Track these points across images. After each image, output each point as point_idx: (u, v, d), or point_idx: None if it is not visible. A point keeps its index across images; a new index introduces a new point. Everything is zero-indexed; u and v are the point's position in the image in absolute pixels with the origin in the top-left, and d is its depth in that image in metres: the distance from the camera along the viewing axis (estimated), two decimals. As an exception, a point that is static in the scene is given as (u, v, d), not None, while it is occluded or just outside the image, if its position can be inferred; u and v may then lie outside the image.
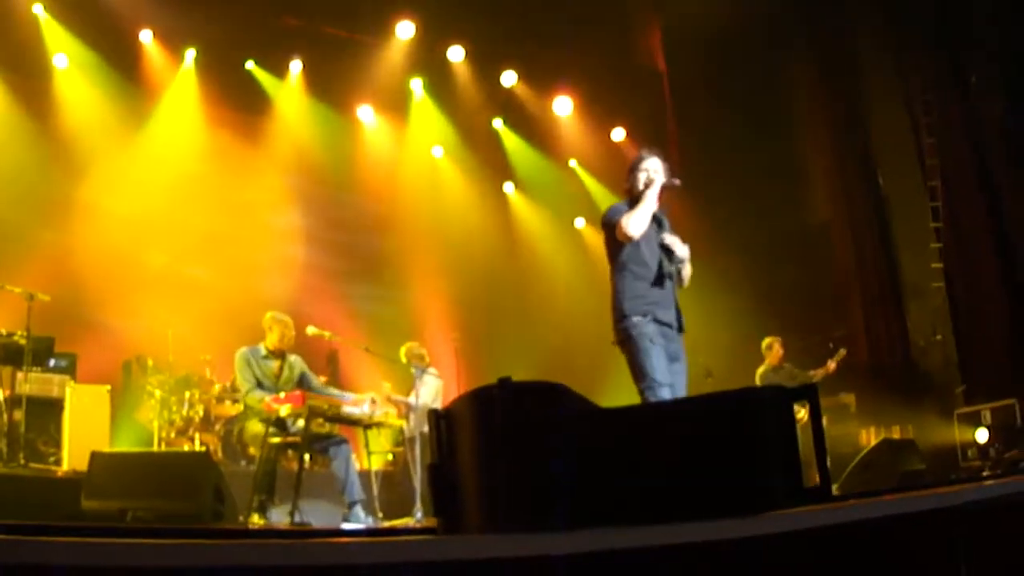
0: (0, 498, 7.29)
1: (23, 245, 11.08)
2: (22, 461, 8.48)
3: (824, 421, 9.98)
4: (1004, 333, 11.73)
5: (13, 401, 9.00)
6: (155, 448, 10.14)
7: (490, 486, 3.13)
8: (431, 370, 10.90)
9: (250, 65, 13.64)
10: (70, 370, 10.09)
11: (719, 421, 3.31)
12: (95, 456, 6.87)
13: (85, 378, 10.14)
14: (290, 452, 8.74)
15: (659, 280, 6.08)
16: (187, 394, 10.72)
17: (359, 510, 8.04)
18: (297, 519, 7.66)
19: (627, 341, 5.96)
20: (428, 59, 14.42)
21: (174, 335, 11.02)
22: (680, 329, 6.12)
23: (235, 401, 10.65)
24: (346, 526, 7.91)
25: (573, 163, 16.13)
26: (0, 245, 10.82)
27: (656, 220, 6.19)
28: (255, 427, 8.20)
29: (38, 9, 11.87)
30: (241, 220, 13.06)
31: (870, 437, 12.09)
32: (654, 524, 2.80)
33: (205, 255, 12.50)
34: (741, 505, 3.04)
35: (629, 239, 6.05)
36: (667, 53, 16.02)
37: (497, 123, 15.70)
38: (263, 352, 8.55)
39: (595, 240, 6.32)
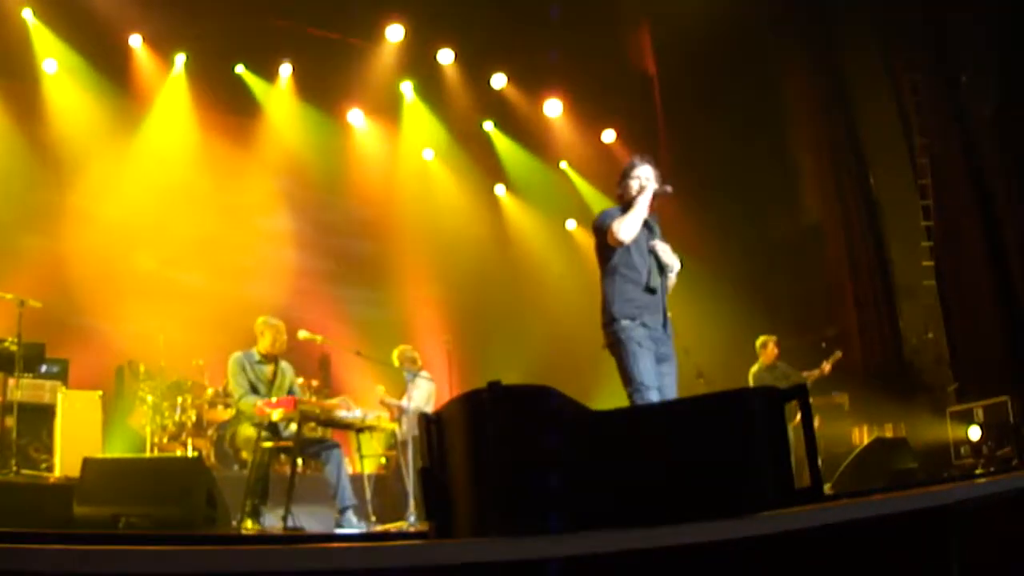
0: (-8, 505, 7.29)
1: (13, 251, 11.07)
2: (14, 468, 8.46)
3: (817, 420, 10.01)
4: (996, 331, 11.73)
5: (4, 408, 8.97)
6: (147, 454, 10.11)
7: (481, 490, 3.13)
8: (423, 373, 10.90)
9: (240, 69, 13.61)
10: (61, 376, 10.06)
11: (710, 422, 3.31)
12: (87, 462, 6.84)
13: (77, 384, 10.12)
14: (283, 457, 8.75)
15: (649, 285, 6.09)
16: (179, 399, 10.70)
17: (351, 515, 8.03)
18: (290, 524, 7.64)
19: (616, 345, 5.98)
20: (418, 62, 14.43)
21: (166, 340, 10.99)
22: (667, 333, 6.13)
23: (227, 406, 10.63)
24: (339, 531, 7.90)
25: (564, 165, 16.14)
26: (-10, 251, 10.84)
27: (647, 226, 6.20)
28: (247, 432, 8.20)
29: (27, 14, 11.84)
30: (232, 224, 13.04)
31: (863, 436, 12.11)
32: (645, 527, 2.80)
33: (196, 260, 12.48)
34: (732, 506, 3.04)
35: (620, 244, 6.07)
36: (657, 55, 16.03)
37: (488, 125, 15.69)
38: (256, 357, 8.55)
39: (586, 242, 6.34)
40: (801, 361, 11.87)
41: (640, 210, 6.08)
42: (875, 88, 13.66)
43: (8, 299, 8.90)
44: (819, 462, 3.49)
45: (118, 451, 10.02)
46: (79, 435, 9.32)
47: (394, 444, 10.69)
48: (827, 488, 8.33)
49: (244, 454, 8.91)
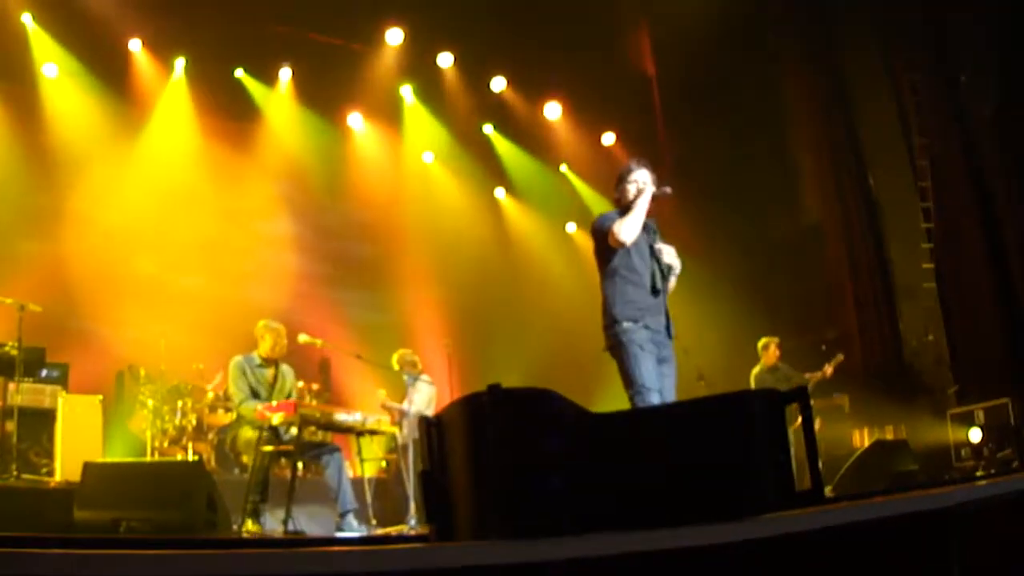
0: (-7, 510, 7.28)
1: (14, 255, 11.07)
2: (14, 472, 8.44)
3: (817, 423, 10.00)
4: (996, 332, 11.73)
5: (5, 412, 8.96)
6: (148, 458, 10.10)
7: (481, 493, 3.13)
8: (424, 377, 10.88)
9: (239, 73, 13.61)
10: (62, 380, 10.06)
11: (711, 425, 3.31)
12: (88, 466, 6.85)
13: (77, 388, 10.11)
14: (283, 460, 8.75)
15: (649, 287, 6.09)
16: (180, 403, 10.69)
17: (352, 518, 8.03)
18: (291, 528, 7.64)
19: (617, 347, 5.98)
20: (417, 65, 14.44)
21: (166, 344, 10.98)
22: (669, 335, 6.13)
23: (228, 410, 10.63)
24: (340, 534, 7.90)
25: (564, 168, 16.13)
26: (-10, 256, 10.84)
27: (645, 228, 6.20)
28: (248, 436, 8.20)
29: (26, 18, 11.84)
30: (232, 228, 13.04)
31: (863, 438, 12.11)
32: (646, 529, 2.80)
33: (197, 264, 12.47)
34: (733, 509, 3.04)
35: (621, 246, 6.07)
36: (656, 56, 16.04)
37: (487, 128, 15.69)
38: (257, 361, 8.55)
39: (586, 245, 6.33)
40: (801, 363, 11.86)
41: (640, 212, 6.08)
42: (875, 88, 13.66)
43: (8, 303, 8.89)
44: (820, 464, 3.49)
45: (118, 455, 10.02)
46: (79, 439, 9.33)
47: (395, 448, 10.68)
48: (828, 490, 8.33)
49: (245, 458, 8.91)
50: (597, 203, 14.55)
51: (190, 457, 10.36)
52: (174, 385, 10.77)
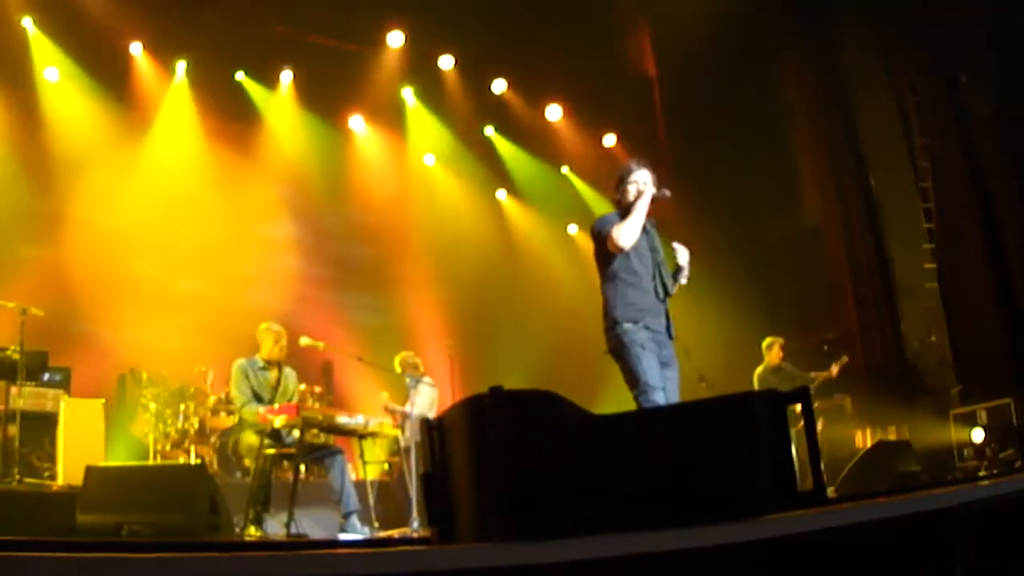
0: (-5, 514, 7.28)
1: (15, 259, 11.07)
2: (17, 476, 8.44)
3: (820, 423, 10.02)
4: (998, 332, 11.72)
5: (7, 416, 8.95)
6: (150, 461, 10.10)
7: (483, 495, 3.13)
8: (426, 379, 10.88)
9: (240, 76, 13.61)
10: (64, 384, 10.05)
11: (713, 426, 3.31)
12: (90, 470, 6.84)
13: (79, 392, 10.10)
14: (285, 463, 8.74)
15: (650, 289, 6.09)
16: (182, 407, 10.69)
17: (355, 521, 8.03)
18: (293, 530, 7.65)
19: (619, 348, 5.98)
20: (418, 68, 14.45)
21: (168, 348, 10.98)
22: (670, 336, 6.13)
23: (230, 413, 10.63)
24: (342, 537, 7.90)
25: (565, 169, 16.13)
26: (-8, 260, 10.84)
27: (644, 229, 6.19)
28: (250, 439, 8.21)
29: (27, 23, 11.85)
30: (234, 231, 13.02)
31: (866, 439, 12.11)
32: (648, 530, 2.80)
33: (198, 267, 12.47)
34: (736, 510, 3.04)
35: (620, 250, 6.06)
36: (657, 58, 16.04)
37: (489, 130, 15.69)
38: (260, 363, 8.56)
39: (588, 246, 6.31)
40: (803, 363, 11.87)
41: (639, 215, 6.08)
42: (875, 89, 13.65)
43: (10, 307, 8.89)
44: (822, 465, 3.49)
45: (121, 459, 10.00)
46: (82, 443, 9.31)
47: (397, 450, 10.67)
48: (830, 491, 8.32)
49: (247, 461, 8.92)
50: (598, 204, 14.55)
51: (192, 460, 10.36)
52: (176, 388, 10.77)
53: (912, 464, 9.06)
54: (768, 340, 11.69)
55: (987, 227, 11.92)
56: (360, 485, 8.92)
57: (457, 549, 3.08)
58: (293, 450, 8.10)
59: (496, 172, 15.77)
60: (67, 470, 8.97)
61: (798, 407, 3.47)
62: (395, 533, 8.68)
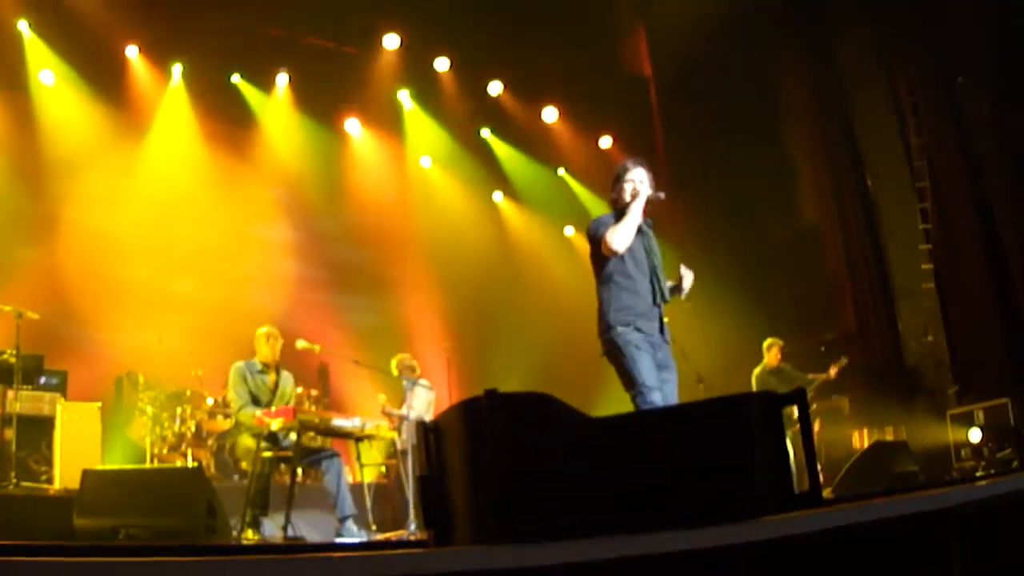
0: (-8, 518, 7.28)
1: (11, 263, 11.05)
2: (13, 480, 8.45)
3: (817, 424, 10.03)
4: (995, 332, 11.73)
5: (4, 420, 8.95)
6: (147, 465, 10.09)
7: (480, 498, 3.12)
8: (422, 382, 10.88)
9: (236, 79, 13.60)
10: (60, 388, 10.03)
11: (708, 427, 3.31)
12: (87, 474, 6.83)
13: (76, 395, 10.08)
14: (282, 466, 8.74)
15: (645, 292, 6.07)
16: (179, 410, 10.68)
17: (351, 524, 8.03)
18: (290, 534, 7.64)
19: (614, 351, 5.96)
20: (414, 70, 14.43)
21: (165, 351, 10.97)
22: (665, 339, 6.11)
23: (227, 416, 10.62)
24: (339, 540, 7.89)
25: (561, 171, 16.14)
26: (-12, 264, 10.83)
27: (639, 230, 6.17)
28: (247, 442, 8.20)
29: (23, 25, 11.84)
30: (230, 234, 13.01)
31: (863, 439, 12.11)
32: (645, 532, 2.80)
33: (195, 270, 12.45)
34: (732, 511, 3.04)
35: (614, 254, 6.05)
36: (653, 60, 16.03)
37: (485, 132, 15.69)
38: (258, 367, 8.56)
39: (585, 248, 6.31)
40: (801, 364, 11.87)
41: (633, 218, 6.06)
42: (872, 89, 13.67)
43: (6, 311, 8.89)
44: (819, 466, 3.50)
45: (118, 462, 9.99)
46: (78, 447, 9.30)
47: (394, 453, 10.67)
48: (828, 492, 8.33)
49: (244, 464, 8.91)
50: (595, 206, 14.56)
51: (189, 464, 10.34)
52: (173, 392, 10.76)
53: (909, 464, 9.05)
54: (768, 341, 11.69)
55: (984, 227, 11.93)
56: (357, 488, 8.93)
57: (453, 552, 3.08)
58: (290, 453, 8.10)
59: (492, 174, 15.76)
60: (64, 473, 8.97)
61: (795, 409, 3.48)
62: (392, 536, 8.67)
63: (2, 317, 8.98)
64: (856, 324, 13.67)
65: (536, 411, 3.19)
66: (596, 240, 6.18)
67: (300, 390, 10.56)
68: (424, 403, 10.78)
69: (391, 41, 13.95)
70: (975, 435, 10.98)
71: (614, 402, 6.35)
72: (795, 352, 12.11)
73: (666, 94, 15.82)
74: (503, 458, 3.04)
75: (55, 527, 6.85)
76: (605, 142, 15.96)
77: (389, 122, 14.89)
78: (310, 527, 8.75)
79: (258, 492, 8.05)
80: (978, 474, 10.04)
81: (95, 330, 11.54)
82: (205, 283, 12.41)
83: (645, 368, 5.82)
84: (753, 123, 14.05)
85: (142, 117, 12.80)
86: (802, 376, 11.52)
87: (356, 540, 7.84)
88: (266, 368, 8.60)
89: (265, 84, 13.81)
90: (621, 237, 6.01)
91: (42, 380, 9.83)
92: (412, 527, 8.90)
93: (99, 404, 9.94)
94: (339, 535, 8.03)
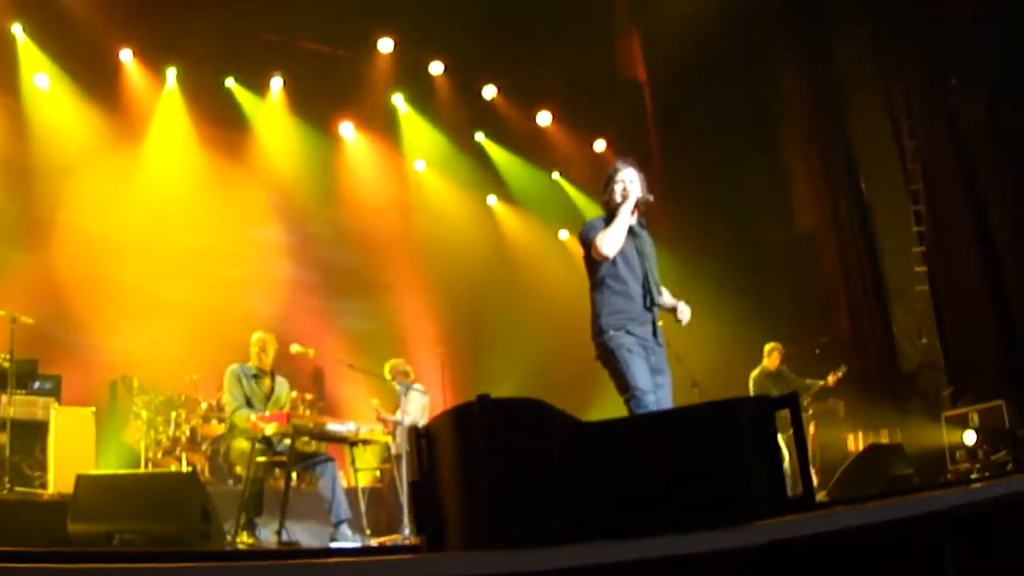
0: (-14, 523, 7.27)
1: (5, 267, 11.03)
2: (7, 485, 8.44)
3: (812, 427, 10.02)
4: (990, 334, 11.74)
5: (-2, 424, 8.96)
6: (141, 469, 10.08)
7: (472, 503, 3.12)
8: (416, 386, 10.88)
9: (230, 83, 13.60)
10: (55, 392, 10.01)
11: (702, 432, 3.31)
12: (81, 479, 6.82)
13: (70, 400, 10.06)
14: (277, 471, 8.72)
15: (637, 296, 6.06)
16: (173, 414, 10.68)
17: (346, 529, 8.02)
18: (285, 538, 7.64)
19: (606, 355, 5.95)
20: (408, 74, 14.45)
21: (159, 355, 10.96)
22: (658, 343, 6.10)
23: (221, 420, 10.62)
24: (333, 545, 7.89)
25: (556, 175, 16.15)
26: (-19, 268, 10.81)
27: (632, 232, 6.17)
28: (242, 446, 8.19)
29: (16, 29, 11.83)
30: (224, 238, 13.00)
31: (858, 442, 12.13)
32: (637, 537, 2.79)
33: (189, 274, 12.43)
34: (725, 516, 3.03)
35: (604, 257, 6.04)
36: (647, 64, 16.03)
37: (479, 136, 15.69)
38: (252, 371, 8.54)
39: (579, 252, 6.30)
40: (797, 368, 11.87)
41: (622, 222, 6.04)
42: (866, 92, 13.69)
43: (0, 315, 8.88)
44: (813, 469, 3.50)
45: (112, 467, 9.98)
46: (73, 451, 9.29)
47: (388, 457, 10.66)
48: (823, 495, 8.34)
49: (238, 469, 8.90)
50: (590, 210, 14.54)
51: (184, 468, 10.34)
52: (167, 396, 10.76)
53: (904, 467, 9.06)
54: (769, 345, 11.69)
55: (978, 229, 11.94)
56: (351, 492, 8.92)
57: (446, 557, 3.08)
58: (284, 458, 8.09)
59: (487, 178, 15.77)
60: (58, 478, 8.95)
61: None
62: (386, 540, 8.67)
63: (-4, 321, 8.98)
64: (850, 327, 13.67)
65: (528, 416, 3.19)
66: (587, 244, 6.18)
67: (294, 394, 10.54)
68: (418, 408, 10.78)
69: (385, 45, 13.96)
70: (970, 437, 10.99)
71: (609, 406, 6.35)
72: (790, 355, 12.10)
73: (661, 98, 15.81)
74: (495, 463, 3.04)
75: (49, 532, 6.84)
76: (599, 146, 15.97)
77: (383, 126, 14.89)
78: (304, 532, 8.74)
79: (252, 496, 8.04)
80: (973, 476, 10.04)
81: (89, 334, 11.53)
82: (199, 287, 12.39)
83: (638, 372, 5.81)
84: (748, 127, 14.05)
85: (136, 121, 12.79)
86: (800, 381, 11.52)
87: (350, 545, 7.84)
88: (260, 373, 8.59)
89: (259, 88, 13.82)
90: (611, 241, 5.99)
91: (36, 384, 9.82)
92: (407, 532, 8.90)
93: (93, 409, 9.92)
94: (333, 539, 8.02)
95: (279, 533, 7.62)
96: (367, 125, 14.83)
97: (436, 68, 14.61)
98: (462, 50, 14.26)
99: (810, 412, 11.67)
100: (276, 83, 13.83)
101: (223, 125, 13.46)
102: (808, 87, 14.45)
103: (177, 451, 10.64)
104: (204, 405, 10.99)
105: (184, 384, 11.08)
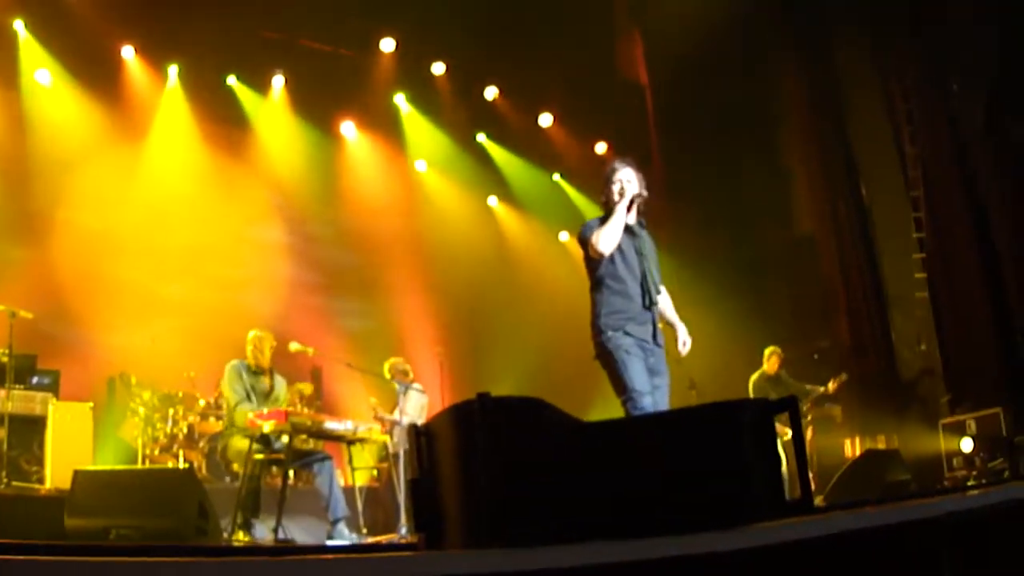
0: (-18, 517, 7.26)
1: (5, 262, 11.03)
2: (4, 479, 8.44)
3: (809, 432, 10.02)
4: (988, 342, 11.74)
5: (-5, 419, 8.96)
6: (139, 465, 10.08)
7: (470, 501, 3.12)
8: (415, 386, 10.87)
9: (232, 81, 13.59)
10: (53, 387, 10.00)
11: (701, 434, 3.31)
12: (78, 474, 6.82)
13: (68, 395, 10.05)
14: (274, 468, 8.73)
15: (635, 295, 6.07)
16: (171, 411, 10.68)
17: (343, 527, 8.02)
18: (281, 536, 7.64)
19: (605, 355, 5.97)
20: (410, 74, 14.46)
21: (158, 352, 10.96)
22: (658, 344, 6.10)
23: (219, 418, 10.62)
24: (330, 543, 7.88)
25: (557, 177, 16.16)
26: (-19, 263, 10.81)
27: (632, 232, 6.18)
28: (239, 444, 8.18)
29: (18, 25, 11.83)
30: (225, 236, 13.00)
31: (855, 447, 12.12)
32: (636, 538, 2.79)
33: (188, 271, 12.44)
34: (723, 518, 3.04)
35: (600, 255, 6.05)
36: (649, 66, 16.04)
37: (480, 137, 15.69)
38: (252, 368, 8.54)
39: (579, 253, 6.32)
40: (795, 373, 11.87)
41: (618, 219, 6.05)
42: (867, 97, 13.69)
43: (0, 310, 8.88)
44: (811, 474, 3.50)
45: (109, 463, 9.99)
46: (70, 447, 9.29)
47: (386, 456, 10.66)
48: (819, 500, 8.33)
49: (235, 466, 8.89)
50: (591, 211, 14.53)
51: (181, 465, 10.34)
52: (165, 393, 10.76)
53: (901, 473, 9.05)
54: (769, 349, 11.70)
55: (978, 236, 11.94)
56: (348, 491, 8.91)
57: (444, 555, 3.08)
58: (282, 455, 8.08)
59: (488, 178, 15.78)
60: (55, 474, 8.95)
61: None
62: (383, 539, 8.66)
63: (-5, 316, 8.98)
64: (849, 333, 13.67)
65: (528, 415, 3.18)
66: (584, 242, 6.20)
67: (301, 385, 10.55)
68: (417, 407, 10.78)
69: (387, 44, 13.97)
70: (967, 445, 10.99)
71: (609, 406, 6.35)
72: (789, 360, 12.10)
73: (662, 100, 15.82)
74: (495, 462, 3.04)
75: (46, 527, 6.83)
76: (600, 147, 15.97)
77: (384, 125, 14.89)
78: (301, 530, 8.75)
79: (249, 494, 8.04)
80: (970, 483, 10.04)
81: (88, 330, 11.53)
82: (199, 285, 12.40)
83: (635, 373, 5.81)
84: (748, 130, 14.06)
85: (137, 118, 12.79)
86: (799, 386, 11.53)
87: (347, 543, 7.83)
88: (260, 370, 8.59)
89: (261, 86, 13.81)
90: (606, 238, 6.01)
91: (34, 380, 9.81)
92: (403, 530, 8.89)
93: (91, 404, 9.93)
94: (330, 538, 8.01)
95: (276, 531, 7.61)
96: (368, 124, 14.84)
97: (438, 68, 14.62)
98: (464, 51, 14.26)
99: (808, 417, 11.68)
100: (278, 82, 13.82)
101: (224, 123, 13.45)
102: (808, 88, 14.46)
103: (174, 448, 10.64)
104: (202, 402, 11.00)
105: (182, 381, 11.09)
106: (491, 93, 15.21)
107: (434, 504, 3.24)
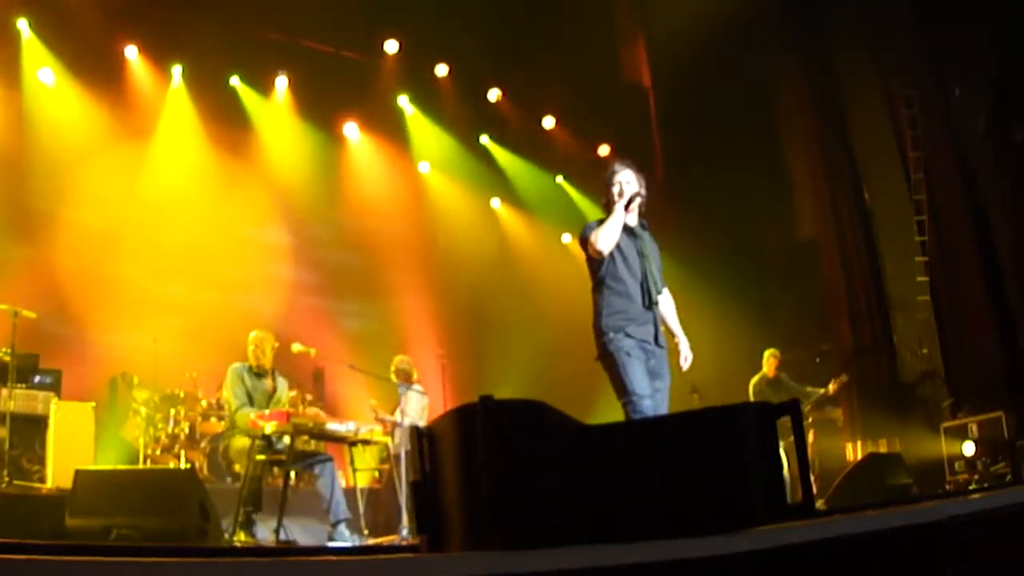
0: (-16, 516, 7.26)
1: (7, 261, 11.04)
2: (6, 478, 8.43)
3: (811, 436, 10.02)
4: (991, 346, 11.75)
5: (-3, 418, 8.96)
6: (140, 465, 10.09)
7: (473, 504, 3.12)
8: (416, 387, 10.87)
9: (235, 82, 13.59)
10: (55, 387, 10.00)
11: (703, 437, 3.30)
12: (79, 474, 6.81)
13: (70, 395, 10.05)
14: (275, 469, 8.73)
15: (636, 296, 6.07)
16: (172, 411, 10.69)
17: (344, 528, 8.01)
18: (282, 537, 7.63)
19: (606, 357, 5.98)
20: (413, 76, 14.48)
21: (160, 352, 10.96)
22: (659, 345, 6.10)
23: (221, 418, 10.62)
24: (331, 544, 7.88)
25: (560, 179, 16.16)
26: (-16, 262, 10.82)
27: (632, 233, 6.18)
28: (241, 444, 8.18)
29: (22, 24, 11.84)
30: (227, 236, 13.00)
31: (857, 451, 12.11)
32: (637, 541, 2.79)
33: (191, 272, 12.44)
34: (724, 521, 3.03)
35: (600, 255, 6.07)
36: (652, 69, 16.05)
37: (484, 139, 15.70)
38: (254, 370, 8.54)
39: (582, 255, 6.33)
40: (797, 376, 11.86)
41: (616, 219, 6.07)
42: (869, 102, 13.69)
43: (2, 309, 8.90)
44: (813, 477, 3.50)
45: (111, 462, 9.97)
46: (72, 446, 9.28)
47: (387, 457, 10.66)
48: (821, 503, 8.33)
49: (237, 466, 8.90)
50: (593, 213, 14.50)
51: (182, 465, 10.34)
52: (167, 393, 10.77)
53: (903, 477, 9.06)
54: (767, 351, 11.71)
55: (980, 240, 11.95)
56: (350, 492, 8.91)
57: (446, 557, 3.08)
58: (283, 456, 8.09)
59: (491, 180, 15.77)
60: (56, 473, 8.94)
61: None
62: (384, 540, 8.66)
63: (-2, 315, 8.99)
64: (852, 336, 13.67)
65: (530, 418, 3.18)
66: (584, 242, 6.22)
67: (293, 393, 10.54)
68: (417, 409, 10.77)
69: (391, 46, 13.97)
70: (969, 448, 10.99)
71: (611, 410, 6.35)
72: (791, 363, 12.11)
73: (664, 103, 15.85)
74: (497, 464, 3.04)
75: (47, 527, 6.84)
76: (603, 150, 15.97)
77: (388, 127, 14.89)
78: (302, 531, 8.73)
79: (251, 495, 8.04)
80: (972, 487, 10.04)
81: (90, 330, 11.53)
82: (201, 285, 12.40)
83: (636, 376, 5.82)
84: (751, 133, 14.07)
85: (140, 117, 12.78)
86: (800, 388, 11.52)
87: (348, 544, 7.83)
88: (262, 371, 8.58)
89: (264, 87, 13.81)
90: (605, 237, 6.03)
91: (36, 379, 9.81)
92: (405, 532, 8.89)
93: (93, 404, 9.91)
94: (331, 539, 8.01)
95: (277, 531, 7.61)
96: (371, 126, 14.83)
97: (441, 70, 14.63)
98: (467, 53, 14.27)
99: (809, 420, 11.67)
100: (281, 83, 13.82)
101: (227, 124, 13.44)
102: (809, 90, 14.47)
103: (176, 448, 10.64)
104: (204, 403, 11.01)
105: (184, 381, 11.10)
106: (494, 95, 15.23)
107: (436, 506, 3.24)
